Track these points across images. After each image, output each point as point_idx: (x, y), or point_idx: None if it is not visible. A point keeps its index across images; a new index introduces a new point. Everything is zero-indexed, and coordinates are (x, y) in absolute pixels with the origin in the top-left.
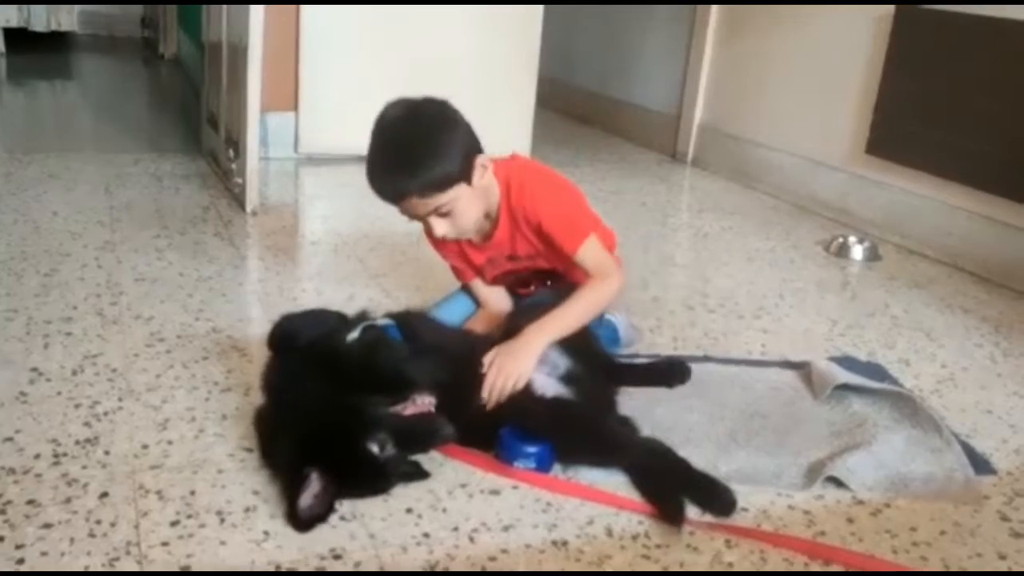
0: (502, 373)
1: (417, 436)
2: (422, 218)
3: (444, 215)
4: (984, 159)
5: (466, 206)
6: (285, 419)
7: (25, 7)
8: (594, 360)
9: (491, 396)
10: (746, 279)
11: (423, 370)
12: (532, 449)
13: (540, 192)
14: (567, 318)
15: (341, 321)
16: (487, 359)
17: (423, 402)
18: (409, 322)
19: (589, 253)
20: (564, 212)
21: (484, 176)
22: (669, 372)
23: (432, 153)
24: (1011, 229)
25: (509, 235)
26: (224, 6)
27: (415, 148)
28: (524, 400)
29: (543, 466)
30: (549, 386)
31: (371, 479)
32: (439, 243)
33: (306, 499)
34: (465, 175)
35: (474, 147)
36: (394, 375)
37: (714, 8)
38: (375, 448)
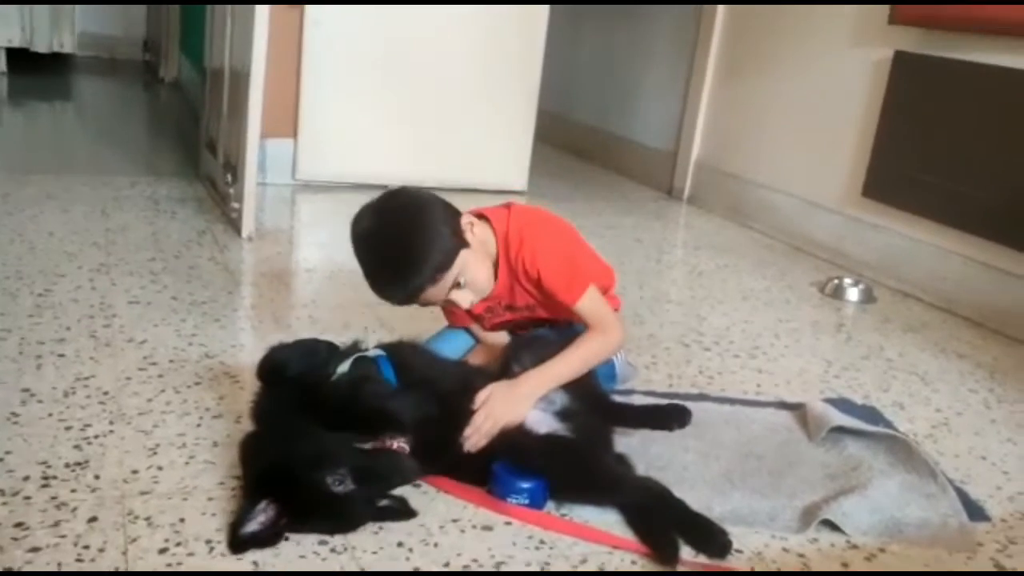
0: (491, 417)
1: (378, 473)
2: (443, 301)
3: (461, 286)
4: (980, 205)
5: (475, 267)
6: (258, 449)
7: (28, 27)
8: (591, 397)
9: (474, 437)
10: (741, 318)
11: (408, 408)
12: (526, 485)
13: (539, 244)
14: (566, 367)
15: (332, 352)
16: (481, 396)
17: (392, 444)
18: (401, 353)
19: (588, 304)
20: (563, 264)
21: (475, 231)
22: (669, 415)
23: (423, 242)
24: (1006, 276)
25: (508, 287)
26: (227, 32)
27: (406, 247)
28: (518, 436)
29: (536, 502)
30: (544, 422)
31: (329, 514)
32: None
33: (252, 525)
34: (460, 241)
35: (452, 213)
36: (378, 413)
37: (713, 47)
38: (334, 483)
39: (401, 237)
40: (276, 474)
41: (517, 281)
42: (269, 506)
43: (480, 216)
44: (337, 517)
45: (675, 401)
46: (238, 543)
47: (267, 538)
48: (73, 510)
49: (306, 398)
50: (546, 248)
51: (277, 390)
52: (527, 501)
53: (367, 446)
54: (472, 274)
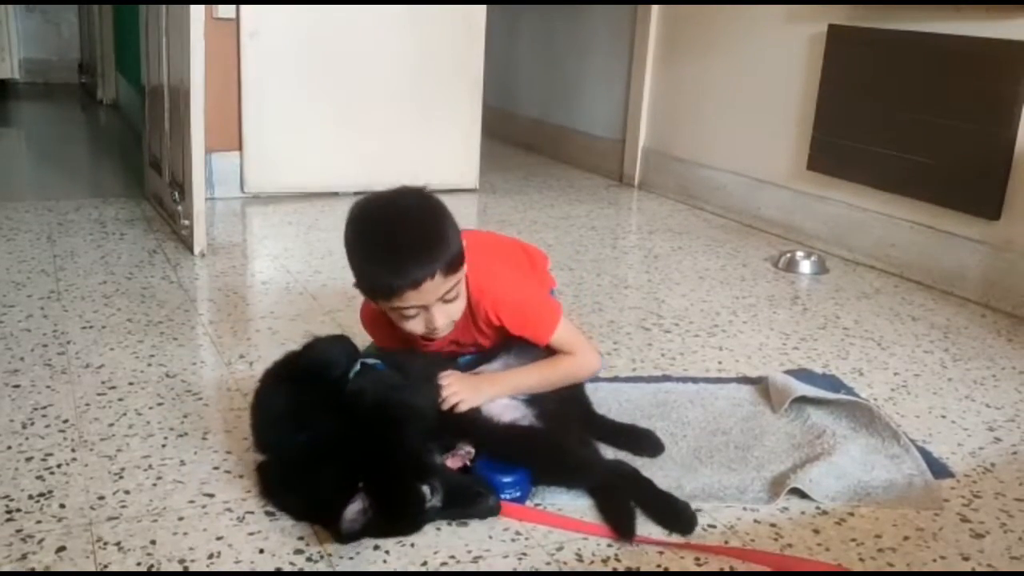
0: (453, 386)
1: (463, 499)
2: (426, 307)
3: (449, 301)
4: (922, 170)
5: (463, 292)
6: (322, 457)
7: None
8: (571, 401)
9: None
10: (699, 298)
11: (427, 399)
12: (509, 479)
13: (498, 296)
14: (526, 377)
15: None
16: (447, 374)
17: (463, 452)
18: (394, 357)
19: (560, 337)
20: (526, 311)
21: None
22: (642, 441)
23: (444, 232)
24: (953, 238)
25: (464, 328)
26: (163, 49)
27: (427, 231)
28: (487, 424)
29: (526, 494)
30: (512, 407)
31: (411, 517)
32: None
33: (350, 512)
34: (464, 257)
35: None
36: (401, 407)
37: (652, 34)
38: (427, 491)
39: (424, 225)
40: (375, 469)
41: (476, 325)
42: (361, 498)
43: None
44: (416, 524)
45: (651, 430)
46: (344, 533)
47: (363, 531)
48: (40, 542)
49: (335, 402)
50: (504, 298)
51: (306, 390)
52: (519, 494)
53: (443, 458)
54: (460, 294)
